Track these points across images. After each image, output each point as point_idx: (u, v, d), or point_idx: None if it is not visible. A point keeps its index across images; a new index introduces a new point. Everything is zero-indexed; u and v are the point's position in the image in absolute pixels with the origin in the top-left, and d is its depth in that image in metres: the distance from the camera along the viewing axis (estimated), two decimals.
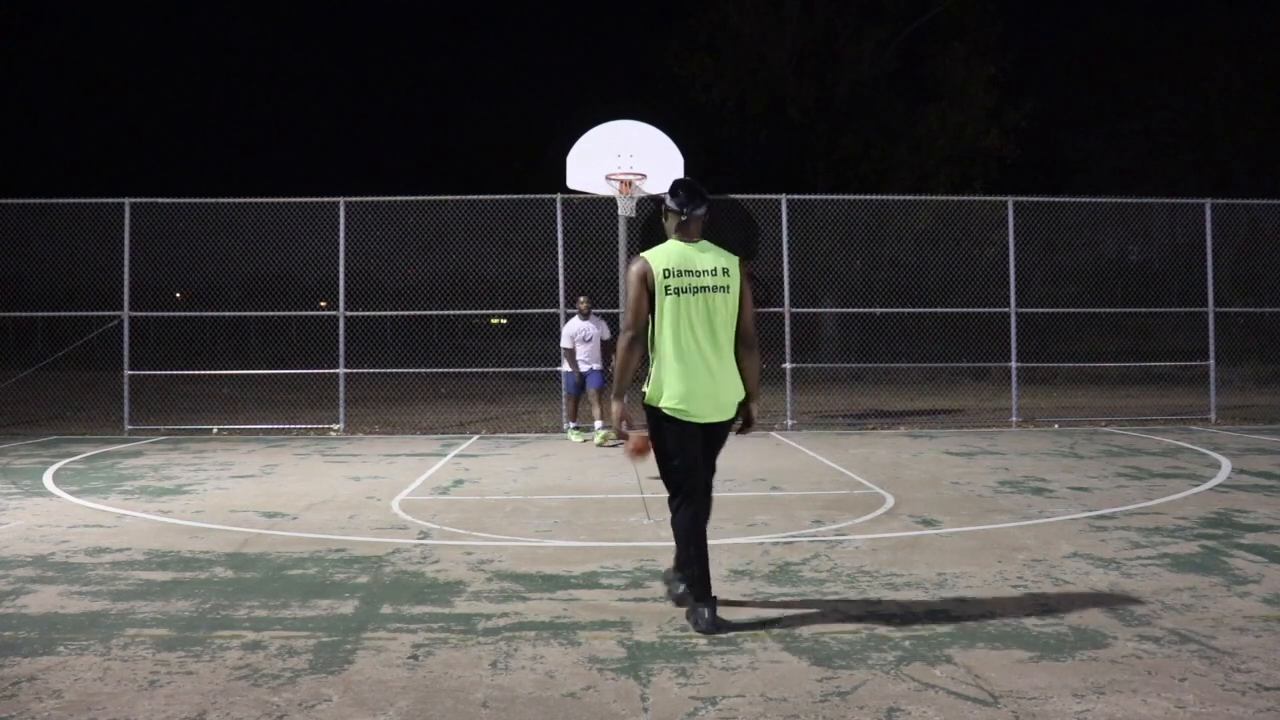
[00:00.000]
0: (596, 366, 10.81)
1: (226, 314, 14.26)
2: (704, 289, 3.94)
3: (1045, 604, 4.20)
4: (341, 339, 12.50)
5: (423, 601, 4.33)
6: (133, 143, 49.31)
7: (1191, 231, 15.70)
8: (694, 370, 3.93)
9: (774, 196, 12.73)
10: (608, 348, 10.73)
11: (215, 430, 12.35)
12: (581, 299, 10.99)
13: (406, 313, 14.92)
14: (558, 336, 12.36)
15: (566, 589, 4.53)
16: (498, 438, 11.78)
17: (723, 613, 4.09)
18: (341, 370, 12.45)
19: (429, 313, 15.63)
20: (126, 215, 12.34)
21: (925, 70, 24.34)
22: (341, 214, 12.43)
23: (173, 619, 4.09)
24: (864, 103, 24.50)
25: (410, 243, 14.75)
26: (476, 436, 11.91)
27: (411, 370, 14.72)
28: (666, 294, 3.93)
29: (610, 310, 11.24)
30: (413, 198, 12.98)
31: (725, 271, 3.98)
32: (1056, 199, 14.49)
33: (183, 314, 15.06)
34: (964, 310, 14.14)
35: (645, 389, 4.02)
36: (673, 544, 4.12)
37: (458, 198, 13.02)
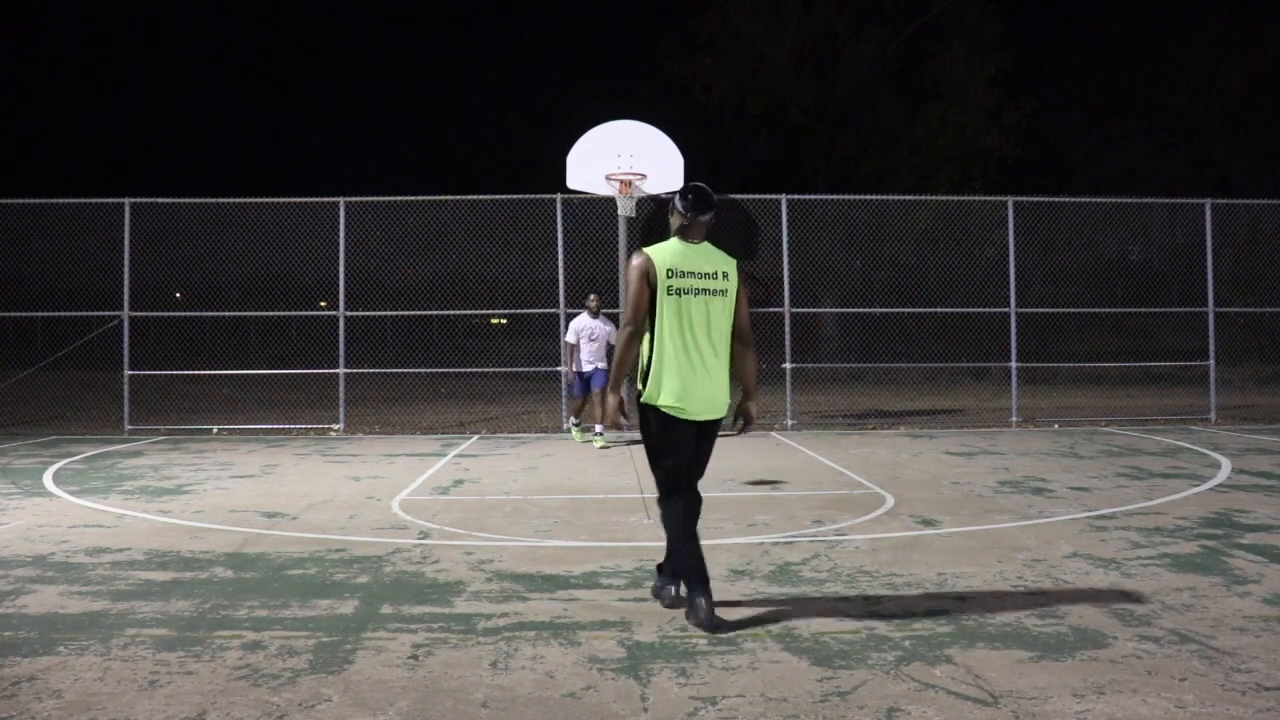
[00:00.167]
0: (602, 366, 10.63)
1: (226, 314, 14.25)
2: (704, 291, 4.01)
3: (1045, 604, 4.20)
4: (341, 339, 12.50)
5: (423, 601, 4.33)
6: (133, 143, 49.31)
7: (1191, 231, 15.71)
8: (693, 370, 3.99)
9: (774, 196, 12.73)
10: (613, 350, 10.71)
11: (215, 430, 12.35)
12: (592, 296, 10.84)
13: (406, 313, 14.92)
14: (558, 336, 12.36)
15: (566, 589, 4.53)
16: (498, 438, 11.78)
17: (722, 613, 4.09)
18: (341, 370, 12.46)
19: (429, 313, 15.62)
20: (126, 215, 12.34)
21: (925, 70, 24.35)
22: (341, 214, 12.43)
23: (173, 619, 4.09)
24: (864, 103, 24.51)
25: (410, 243, 14.75)
26: (476, 436, 11.91)
27: (411, 370, 14.72)
28: (669, 294, 3.98)
29: (610, 310, 11.22)
30: (413, 198, 12.98)
31: (725, 275, 4.06)
32: (1056, 199, 14.48)
33: (183, 314, 15.05)
34: (964, 310, 14.14)
35: (640, 387, 4.07)
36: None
37: (458, 198, 13.01)
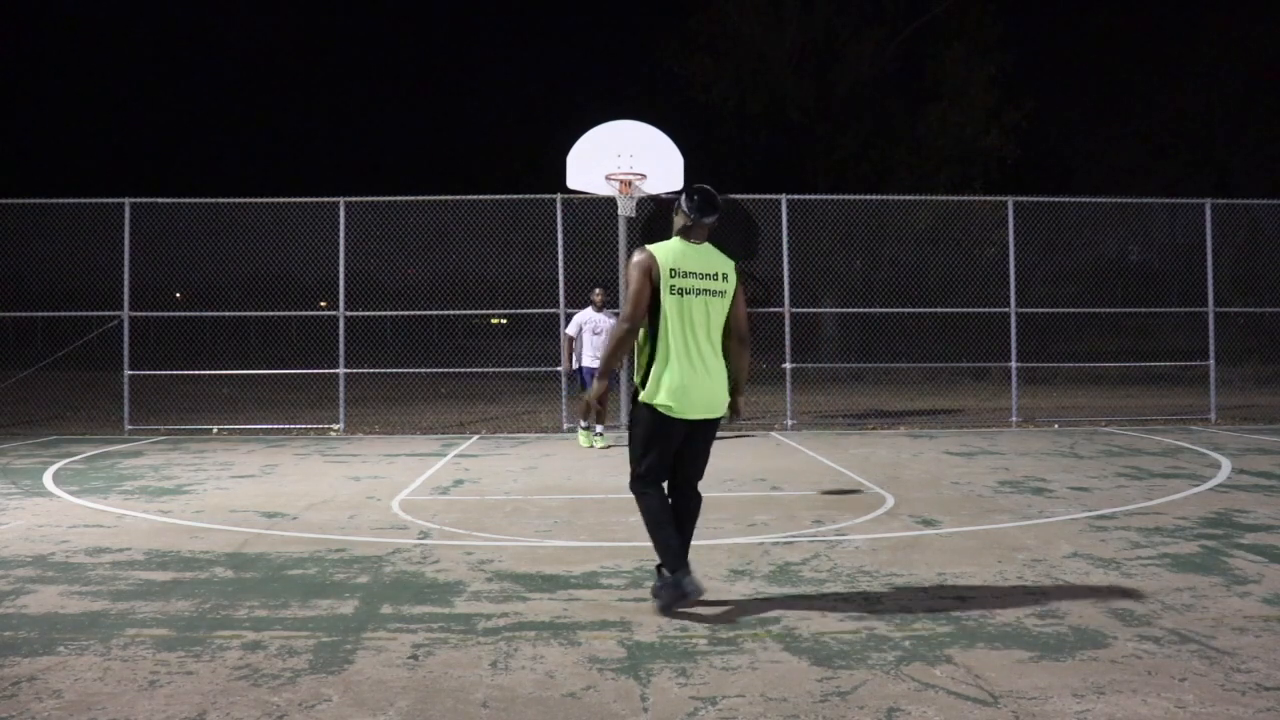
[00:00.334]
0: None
1: (226, 314, 14.26)
2: (705, 292, 4.05)
3: (1045, 604, 4.20)
4: (341, 339, 12.51)
5: (423, 601, 4.33)
6: (133, 143, 49.32)
7: (1191, 231, 15.70)
8: (693, 370, 4.02)
9: (774, 196, 12.73)
10: None
11: (215, 430, 12.35)
12: (597, 290, 10.65)
13: (406, 313, 14.92)
14: (558, 336, 12.35)
15: (566, 589, 4.53)
16: (498, 438, 11.78)
17: (722, 613, 4.10)
18: (341, 370, 12.46)
19: (429, 313, 15.62)
20: (126, 215, 12.34)
21: (925, 70, 24.37)
22: (341, 214, 12.43)
23: (173, 619, 4.09)
24: (864, 103, 24.51)
25: (410, 243, 14.76)
26: (476, 436, 11.91)
27: (411, 370, 14.71)
28: (671, 293, 4.01)
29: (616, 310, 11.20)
30: (413, 198, 12.98)
31: (724, 277, 4.11)
32: (1056, 199, 14.47)
33: (183, 314, 15.06)
34: (964, 310, 14.14)
35: (638, 384, 4.10)
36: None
37: (458, 198, 13.02)
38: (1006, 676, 3.33)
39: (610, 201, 12.02)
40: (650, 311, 4.03)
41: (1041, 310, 14.75)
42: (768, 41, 24.43)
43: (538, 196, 12.74)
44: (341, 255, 12.47)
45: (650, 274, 3.99)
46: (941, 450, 10.03)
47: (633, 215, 11.95)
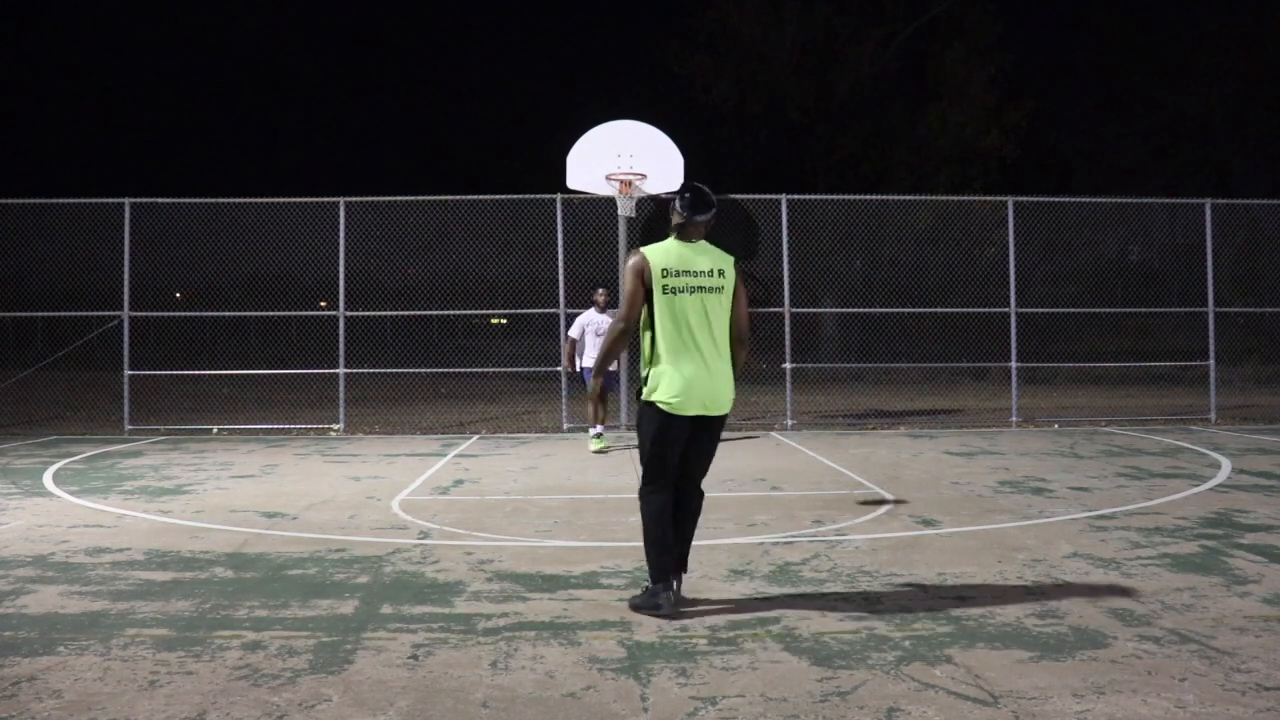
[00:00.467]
0: (611, 368, 10.40)
1: (226, 314, 14.25)
2: (700, 289, 4.06)
3: (1045, 604, 4.20)
4: (341, 339, 12.50)
5: (423, 601, 4.33)
6: (133, 143, 49.33)
7: (1191, 231, 15.71)
8: (691, 367, 4.03)
9: (774, 196, 12.72)
10: None
11: (215, 430, 12.35)
12: (600, 290, 10.49)
13: (406, 313, 14.92)
14: (558, 336, 12.34)
15: (566, 589, 4.53)
16: (498, 438, 11.78)
17: (722, 612, 4.10)
18: (341, 370, 12.46)
19: (429, 313, 15.63)
20: (126, 215, 12.34)
21: (925, 70, 24.36)
22: (341, 214, 12.43)
23: (173, 619, 4.09)
24: (864, 103, 24.52)
25: (410, 243, 14.76)
26: (476, 436, 11.91)
27: (411, 370, 14.71)
28: (664, 293, 4.04)
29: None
30: (413, 198, 12.98)
31: (721, 273, 4.11)
32: (1056, 199, 14.47)
33: (183, 314, 15.08)
34: (964, 310, 14.14)
35: (643, 380, 4.12)
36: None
37: (458, 198, 13.01)
38: (1006, 676, 3.33)
39: (610, 201, 12.02)
40: (649, 312, 4.08)
41: (1041, 310, 14.75)
42: (768, 41, 24.43)
43: (538, 196, 12.73)
44: (341, 255, 12.47)
45: (642, 276, 4.04)
46: (941, 450, 10.04)
47: (633, 215, 11.95)
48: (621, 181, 11.71)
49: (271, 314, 13.38)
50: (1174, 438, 11.02)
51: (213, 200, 12.69)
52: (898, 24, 24.56)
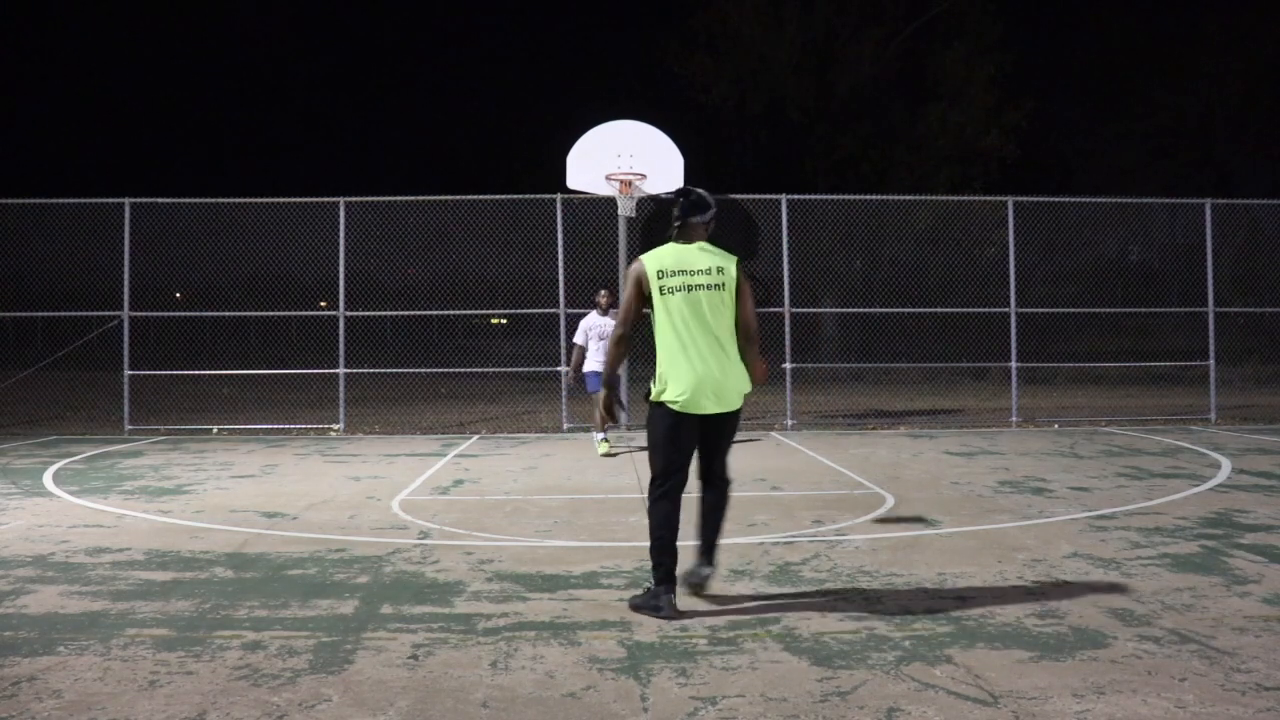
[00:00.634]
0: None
1: (226, 314, 14.25)
2: (697, 287, 4.09)
3: (1045, 604, 4.20)
4: (341, 339, 12.50)
5: (423, 601, 4.33)
6: (133, 143, 49.33)
7: (1191, 231, 15.72)
8: (693, 364, 4.06)
9: (774, 196, 12.72)
10: None
11: (215, 430, 12.35)
12: (603, 292, 10.17)
13: (406, 313, 14.92)
14: (558, 336, 12.34)
15: (566, 589, 4.53)
16: (498, 438, 11.78)
17: (722, 612, 4.10)
18: (341, 370, 12.46)
19: (429, 313, 15.62)
20: (126, 215, 12.34)
21: (925, 70, 24.34)
22: (341, 214, 12.43)
23: (173, 619, 4.09)
24: (864, 103, 24.50)
25: (410, 243, 14.75)
26: (476, 436, 11.91)
27: (411, 370, 14.70)
28: (661, 294, 4.10)
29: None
30: (413, 198, 12.98)
31: (720, 270, 4.13)
32: (1056, 199, 14.47)
33: (183, 314, 15.07)
34: (964, 310, 14.14)
35: (651, 385, 4.15)
36: (688, 544, 4.17)
37: (458, 198, 13.01)
38: (1006, 676, 3.33)
39: (610, 201, 12.02)
40: (653, 316, 4.15)
41: (1041, 310, 14.74)
42: (768, 41, 24.41)
43: (538, 196, 12.73)
44: (341, 255, 12.47)
45: (640, 282, 4.13)
46: (941, 450, 10.03)
47: (633, 215, 11.95)
48: (621, 181, 11.72)
49: (271, 314, 13.38)
50: (1174, 438, 11.02)
51: (213, 200, 12.69)
52: (898, 24, 24.54)
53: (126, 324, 12.40)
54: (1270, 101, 25.08)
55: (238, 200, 12.73)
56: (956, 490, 7.37)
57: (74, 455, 9.96)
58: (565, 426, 12.33)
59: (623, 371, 10.49)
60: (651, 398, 4.12)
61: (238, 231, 13.32)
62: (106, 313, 12.55)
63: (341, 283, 12.50)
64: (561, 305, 12.35)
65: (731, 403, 4.13)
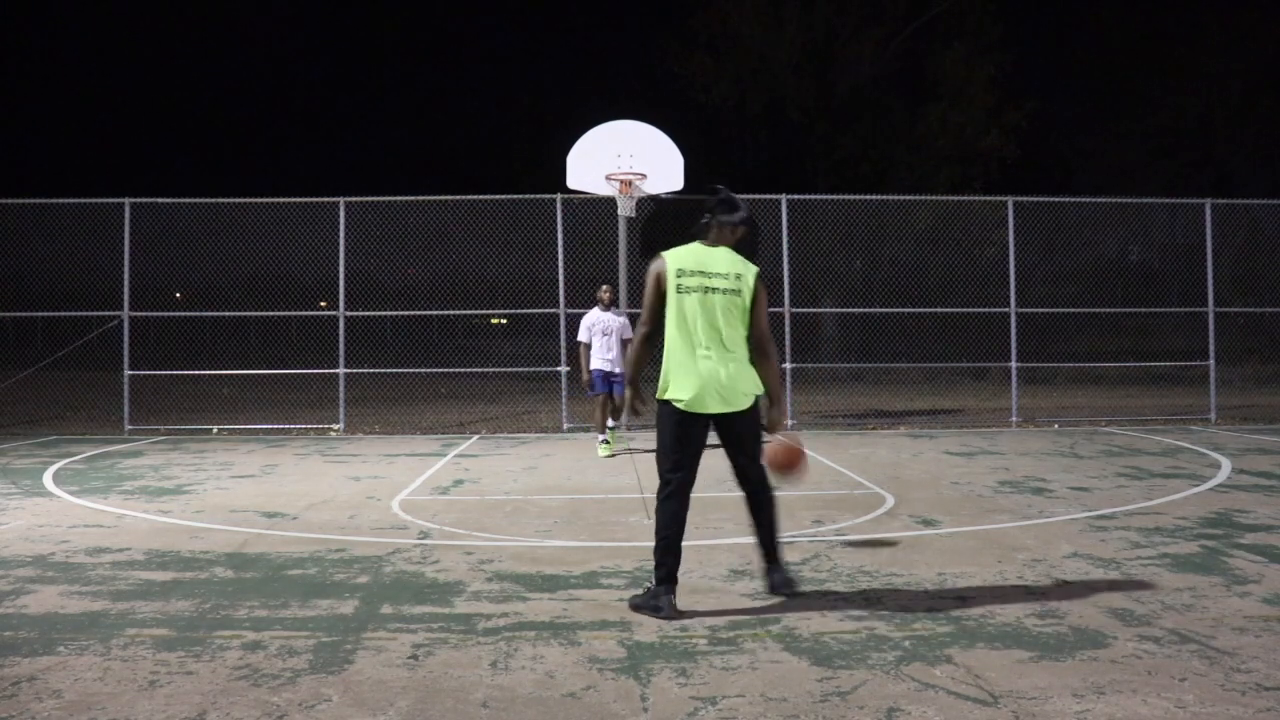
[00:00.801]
0: (618, 369, 9.61)
1: (226, 314, 14.25)
2: (712, 289, 4.11)
3: (1045, 604, 4.20)
4: (341, 339, 12.50)
5: (423, 601, 4.33)
6: (133, 143, 49.33)
7: (1191, 231, 15.71)
8: (697, 364, 4.07)
9: (774, 196, 12.73)
10: (627, 347, 9.63)
11: (215, 430, 12.35)
12: (605, 287, 10.01)
13: (406, 313, 14.93)
14: (558, 336, 12.33)
15: (566, 589, 4.53)
16: (498, 438, 11.78)
17: (722, 612, 4.10)
18: (341, 370, 12.46)
19: (429, 313, 15.63)
20: (126, 215, 12.34)
21: (925, 70, 24.35)
22: (341, 214, 12.43)
23: (173, 619, 4.09)
24: (864, 103, 24.50)
25: (410, 243, 14.75)
26: (476, 436, 11.91)
27: (411, 370, 14.71)
28: (677, 292, 4.12)
29: (633, 311, 10.87)
30: (413, 198, 12.98)
31: (738, 277, 4.16)
32: (1056, 199, 14.47)
33: (183, 314, 15.07)
34: (964, 310, 14.14)
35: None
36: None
37: (458, 198, 13.01)
38: (1006, 676, 3.33)
39: (610, 201, 12.02)
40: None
41: (1041, 310, 14.74)
42: (768, 41, 24.40)
43: (538, 196, 12.73)
44: (341, 255, 12.47)
45: (659, 279, 4.14)
46: (941, 450, 10.03)
47: (633, 215, 11.95)
48: (621, 181, 11.71)
49: (271, 314, 13.39)
50: (1174, 438, 11.02)
51: (213, 200, 12.69)
52: (898, 24, 24.54)
53: (126, 324, 12.40)
54: (1270, 101, 25.08)
55: (238, 200, 12.73)
56: (956, 490, 7.37)
57: (74, 455, 9.96)
58: (565, 426, 12.33)
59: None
60: (658, 394, 4.15)
61: (238, 231, 13.32)
62: (106, 313, 12.55)
63: (341, 283, 12.50)
64: (561, 305, 12.35)
65: (738, 403, 4.11)
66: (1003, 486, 7.52)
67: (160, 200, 12.59)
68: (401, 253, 16.13)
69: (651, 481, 7.88)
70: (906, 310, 15.08)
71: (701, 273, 4.10)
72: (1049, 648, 3.62)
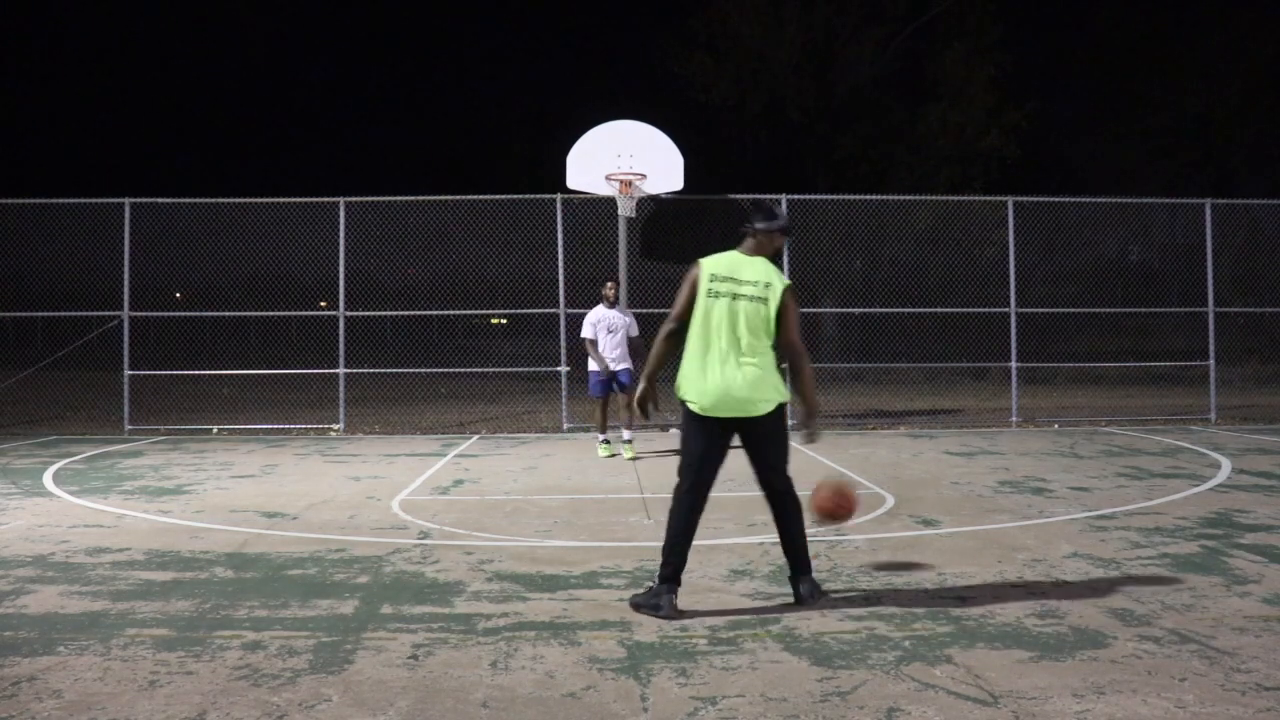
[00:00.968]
0: (626, 365, 9.50)
1: (226, 314, 14.26)
2: (740, 297, 4.15)
3: (1045, 604, 4.20)
4: (341, 339, 12.50)
5: (423, 601, 4.33)
6: (133, 143, 49.35)
7: (1191, 231, 15.71)
8: (710, 368, 4.11)
9: (774, 196, 12.72)
10: (635, 345, 9.58)
11: (215, 430, 12.35)
12: (609, 284, 9.76)
13: (406, 313, 14.92)
14: (558, 336, 12.33)
15: (566, 589, 4.53)
16: (498, 438, 11.78)
17: (722, 612, 4.10)
18: (341, 370, 12.45)
19: (429, 313, 15.63)
20: (126, 215, 12.33)
21: (925, 70, 24.34)
22: (341, 214, 12.43)
23: (173, 619, 4.09)
24: (864, 103, 24.50)
25: (410, 243, 14.75)
26: (476, 436, 11.91)
27: (411, 370, 14.71)
28: (706, 295, 4.18)
29: (638, 311, 10.79)
30: (413, 198, 12.98)
31: (766, 286, 4.18)
32: (1056, 199, 14.47)
33: (183, 314, 15.07)
34: (964, 310, 14.13)
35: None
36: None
37: (458, 198, 13.01)
38: (1006, 676, 3.33)
39: (610, 201, 12.02)
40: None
41: (1041, 310, 14.74)
42: (768, 41, 24.39)
43: (538, 196, 12.73)
44: (341, 255, 12.47)
45: (694, 283, 4.21)
46: (941, 450, 10.03)
47: (633, 215, 11.95)
48: (621, 181, 11.71)
49: (271, 314, 13.38)
50: (1174, 438, 11.02)
51: (213, 200, 12.69)
52: (898, 24, 24.53)
53: (126, 324, 12.40)
54: (1270, 101, 25.08)
55: (238, 200, 12.73)
56: (956, 490, 7.37)
57: (74, 455, 9.96)
58: (565, 426, 12.33)
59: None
60: (676, 394, 4.21)
61: (238, 231, 13.32)
62: (106, 313, 12.55)
63: (341, 283, 12.50)
64: (561, 305, 12.35)
65: (754, 409, 4.11)
66: (1003, 486, 7.52)
67: (160, 200, 12.59)
68: (401, 253, 16.14)
69: (651, 481, 7.89)
70: (906, 310, 15.08)
71: (732, 279, 4.15)
72: (1049, 648, 3.62)
